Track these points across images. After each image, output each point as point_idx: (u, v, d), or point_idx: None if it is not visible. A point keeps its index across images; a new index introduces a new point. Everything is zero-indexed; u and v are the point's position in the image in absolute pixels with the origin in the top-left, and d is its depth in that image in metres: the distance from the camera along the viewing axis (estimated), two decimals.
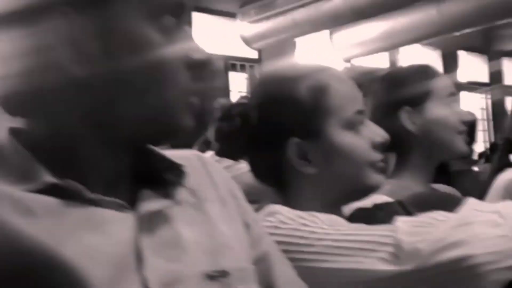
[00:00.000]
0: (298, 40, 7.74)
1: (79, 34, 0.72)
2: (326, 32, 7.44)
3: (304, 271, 0.96)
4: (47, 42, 0.72)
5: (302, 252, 1.05)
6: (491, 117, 11.06)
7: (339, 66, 7.82)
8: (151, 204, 0.77)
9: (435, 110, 1.68)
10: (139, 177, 0.80)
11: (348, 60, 7.98)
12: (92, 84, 0.73)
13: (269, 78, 1.26)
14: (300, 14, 6.81)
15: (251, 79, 7.77)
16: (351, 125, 1.19)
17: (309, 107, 1.18)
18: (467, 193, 1.86)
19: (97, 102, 0.74)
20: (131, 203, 0.76)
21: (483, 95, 11.16)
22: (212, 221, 0.83)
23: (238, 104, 1.28)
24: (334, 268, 1.03)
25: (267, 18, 7.08)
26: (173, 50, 0.76)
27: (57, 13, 0.72)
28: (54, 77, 0.72)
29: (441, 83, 1.71)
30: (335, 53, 7.82)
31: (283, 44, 7.48)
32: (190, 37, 0.79)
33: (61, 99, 0.73)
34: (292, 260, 0.97)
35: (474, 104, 10.56)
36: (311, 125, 1.18)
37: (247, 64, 7.99)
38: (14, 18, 0.72)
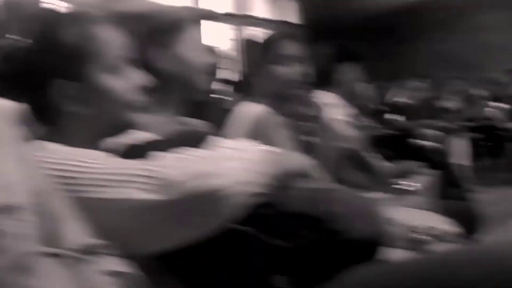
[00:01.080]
0: None
1: None
2: None
3: (77, 202, 1.07)
4: None
5: (71, 184, 1.15)
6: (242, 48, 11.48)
7: None
8: None
9: (184, 48, 1.77)
10: None
11: None
12: None
13: (41, 22, 1.32)
14: None
15: None
16: (113, 69, 1.31)
17: (73, 52, 1.27)
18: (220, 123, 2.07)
19: None
20: None
21: (234, 26, 11.59)
22: None
23: (5, 45, 1.32)
24: (102, 198, 1.15)
25: None
26: None
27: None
28: None
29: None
30: None
31: None
32: None
33: None
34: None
35: (226, 35, 10.96)
36: (75, 68, 1.27)
37: None
38: None
